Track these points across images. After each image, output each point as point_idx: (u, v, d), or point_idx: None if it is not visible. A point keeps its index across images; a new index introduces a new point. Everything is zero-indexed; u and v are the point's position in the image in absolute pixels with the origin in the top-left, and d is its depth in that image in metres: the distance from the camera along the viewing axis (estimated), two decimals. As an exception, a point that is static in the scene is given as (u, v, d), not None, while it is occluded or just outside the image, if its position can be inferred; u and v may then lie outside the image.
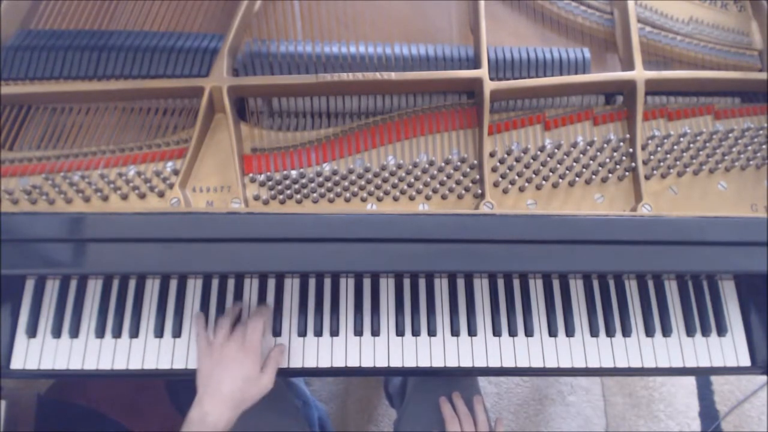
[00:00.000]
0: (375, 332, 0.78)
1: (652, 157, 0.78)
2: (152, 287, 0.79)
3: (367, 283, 0.80)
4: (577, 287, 0.81)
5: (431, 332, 0.78)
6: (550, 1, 0.85)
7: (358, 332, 0.77)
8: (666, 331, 0.79)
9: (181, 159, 0.74)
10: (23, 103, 0.77)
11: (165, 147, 0.75)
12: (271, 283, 0.80)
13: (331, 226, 0.68)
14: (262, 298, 0.79)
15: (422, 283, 0.80)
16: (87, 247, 0.68)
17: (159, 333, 0.77)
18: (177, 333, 0.77)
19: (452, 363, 0.77)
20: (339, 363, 0.77)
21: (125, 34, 0.79)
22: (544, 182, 0.76)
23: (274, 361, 0.72)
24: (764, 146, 0.79)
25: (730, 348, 0.79)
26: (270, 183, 0.74)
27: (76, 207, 0.73)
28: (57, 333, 0.76)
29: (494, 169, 0.77)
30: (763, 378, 1.48)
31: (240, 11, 0.78)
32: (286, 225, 0.68)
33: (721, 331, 0.79)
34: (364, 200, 0.75)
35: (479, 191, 0.73)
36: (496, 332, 0.78)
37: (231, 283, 0.79)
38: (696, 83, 0.81)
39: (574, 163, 0.76)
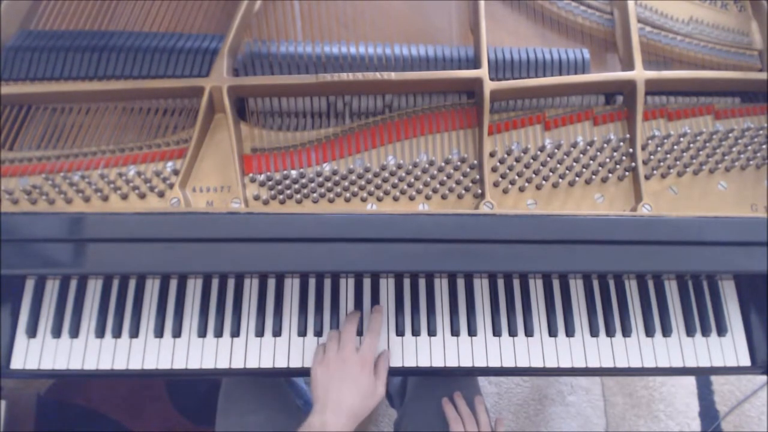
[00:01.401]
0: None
1: (652, 157, 0.78)
2: (152, 287, 0.79)
3: (367, 283, 0.80)
4: (577, 287, 0.81)
5: (431, 332, 0.78)
6: (550, 1, 0.85)
7: (358, 332, 0.77)
8: (666, 331, 0.79)
9: (181, 159, 0.74)
10: (23, 103, 0.77)
11: (165, 147, 0.76)
12: (271, 283, 0.80)
13: (331, 226, 0.68)
14: (262, 298, 0.79)
15: (422, 283, 0.80)
16: (87, 247, 0.68)
17: (159, 333, 0.77)
18: (177, 333, 0.77)
19: (452, 363, 0.77)
20: (339, 363, 0.76)
21: (125, 34, 0.79)
22: (544, 182, 0.76)
23: (385, 370, 0.73)
24: (764, 146, 0.79)
25: (730, 348, 0.79)
26: (270, 183, 0.74)
27: (76, 207, 0.73)
28: (57, 333, 0.76)
29: (494, 169, 0.77)
30: (763, 378, 1.48)
31: (240, 11, 0.78)
32: (286, 225, 0.68)
33: (721, 331, 0.79)
34: (364, 200, 0.75)
35: (479, 191, 0.74)
36: (496, 332, 0.78)
37: (231, 283, 0.79)
38: (696, 83, 0.81)
39: (574, 163, 0.76)
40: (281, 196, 0.74)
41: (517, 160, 0.77)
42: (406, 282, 0.80)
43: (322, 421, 0.66)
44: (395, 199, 0.75)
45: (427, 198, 0.75)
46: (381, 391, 0.71)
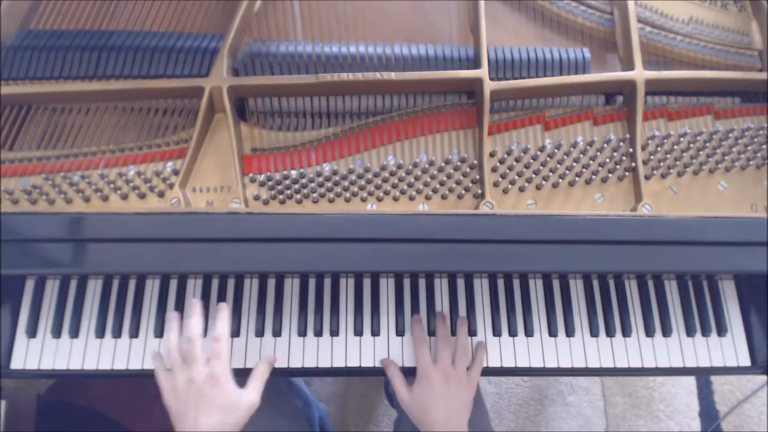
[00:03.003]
0: (375, 332, 0.78)
1: (652, 157, 0.78)
2: (152, 287, 0.79)
3: (367, 283, 0.80)
4: (577, 287, 0.81)
5: (431, 332, 0.78)
6: (550, 1, 0.85)
7: (358, 332, 0.77)
8: (666, 331, 0.79)
9: (181, 159, 0.74)
10: (23, 103, 0.77)
11: (165, 147, 0.76)
12: (271, 283, 0.80)
13: (331, 226, 0.68)
14: (262, 298, 0.79)
15: (422, 283, 0.80)
16: (87, 247, 0.68)
17: (159, 333, 0.77)
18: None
19: (452, 363, 0.77)
20: (339, 363, 0.77)
21: (125, 34, 0.79)
22: (544, 182, 0.76)
23: (259, 377, 0.68)
24: (764, 146, 0.79)
25: (730, 348, 0.79)
26: (270, 183, 0.74)
27: (76, 207, 0.73)
28: (57, 333, 0.76)
29: (494, 169, 0.77)
30: (763, 378, 1.48)
31: (240, 11, 0.78)
32: (286, 225, 0.68)
33: (721, 331, 0.79)
34: (364, 200, 0.75)
35: (479, 191, 0.74)
36: (496, 332, 0.78)
37: (231, 283, 0.79)
38: (696, 83, 0.81)
39: (574, 163, 0.76)
40: (281, 196, 0.74)
41: (517, 160, 0.77)
42: (406, 282, 0.80)
43: None
44: (395, 199, 0.75)
45: (427, 198, 0.75)
46: (250, 398, 0.65)
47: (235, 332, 0.77)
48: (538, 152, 0.77)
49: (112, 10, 0.82)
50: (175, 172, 0.73)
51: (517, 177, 0.76)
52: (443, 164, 0.76)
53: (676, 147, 0.78)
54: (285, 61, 0.77)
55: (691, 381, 1.50)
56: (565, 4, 0.85)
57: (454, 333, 0.77)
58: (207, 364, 0.64)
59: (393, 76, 0.75)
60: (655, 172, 0.77)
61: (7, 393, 1.20)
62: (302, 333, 0.77)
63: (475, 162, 0.75)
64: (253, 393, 0.66)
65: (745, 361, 0.78)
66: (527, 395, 1.47)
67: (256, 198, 0.75)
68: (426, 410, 0.69)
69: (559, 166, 0.76)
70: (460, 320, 0.77)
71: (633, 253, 0.70)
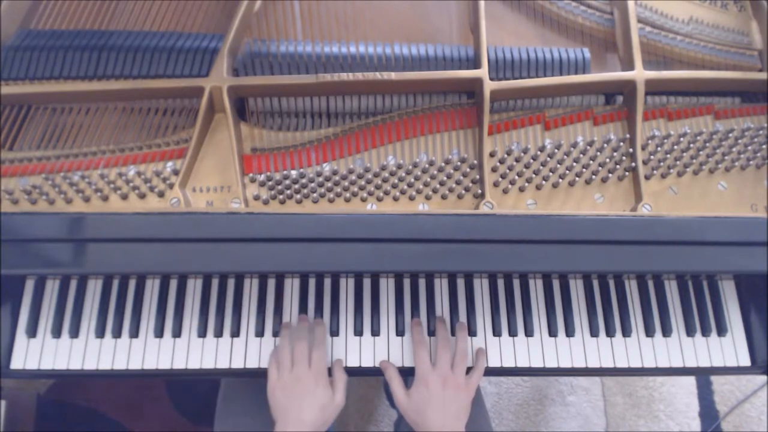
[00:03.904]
0: (375, 332, 0.78)
1: (652, 157, 0.78)
2: (152, 287, 0.79)
3: (367, 283, 0.80)
4: (577, 287, 0.81)
5: (430, 332, 0.78)
6: (550, 1, 0.85)
7: (358, 332, 0.77)
8: (666, 331, 0.79)
9: (181, 159, 0.74)
10: (23, 103, 0.77)
11: (165, 147, 0.76)
12: (271, 283, 0.80)
13: (331, 226, 0.68)
14: (262, 298, 0.79)
15: (422, 283, 0.80)
16: (87, 247, 0.68)
17: (159, 333, 0.77)
18: (177, 333, 0.77)
19: (452, 363, 0.77)
20: (339, 363, 0.77)
21: (125, 34, 0.79)
22: (544, 182, 0.76)
23: (342, 380, 0.73)
24: (764, 146, 0.79)
25: (730, 348, 0.79)
26: (270, 183, 0.74)
27: (76, 207, 0.73)
28: (57, 333, 0.76)
29: (494, 169, 0.77)
30: (763, 378, 1.48)
31: (240, 11, 0.78)
32: (286, 225, 0.68)
33: (721, 331, 0.79)
34: (364, 200, 0.75)
35: (479, 191, 0.74)
36: (496, 332, 0.78)
37: (231, 283, 0.79)
38: (696, 83, 0.81)
39: (574, 163, 0.76)
40: (281, 196, 0.74)
41: (517, 160, 0.77)
42: (406, 282, 0.80)
43: None
44: (395, 199, 0.75)
45: (427, 198, 0.75)
46: (339, 399, 0.71)
47: (235, 332, 0.77)
48: (538, 152, 0.77)
49: (112, 10, 0.82)
50: (175, 172, 0.73)
51: (517, 177, 0.76)
52: (443, 164, 0.76)
53: (676, 147, 0.78)
54: (285, 61, 0.77)
55: (691, 381, 1.50)
56: (565, 4, 0.85)
57: (453, 334, 0.77)
58: (310, 366, 0.71)
59: (393, 76, 0.75)
60: (655, 172, 0.77)
61: (7, 393, 1.20)
62: (302, 333, 0.77)
63: (475, 162, 0.75)
64: (339, 395, 0.72)
65: (745, 361, 0.78)
66: (527, 395, 1.47)
67: (256, 198, 0.75)
68: (423, 414, 0.69)
69: (559, 166, 0.76)
70: (459, 325, 0.77)
71: (633, 253, 0.70)
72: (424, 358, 0.73)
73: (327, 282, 0.80)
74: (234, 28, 0.77)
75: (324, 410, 0.69)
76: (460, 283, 0.81)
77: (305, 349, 0.72)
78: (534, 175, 0.76)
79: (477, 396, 0.87)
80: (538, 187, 0.76)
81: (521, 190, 0.76)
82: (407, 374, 0.76)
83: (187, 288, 0.79)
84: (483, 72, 0.76)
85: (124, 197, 0.73)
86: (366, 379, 1.44)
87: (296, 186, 0.74)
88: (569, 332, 0.78)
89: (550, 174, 0.76)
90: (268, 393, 0.71)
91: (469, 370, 0.74)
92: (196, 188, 0.75)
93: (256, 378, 0.88)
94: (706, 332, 0.79)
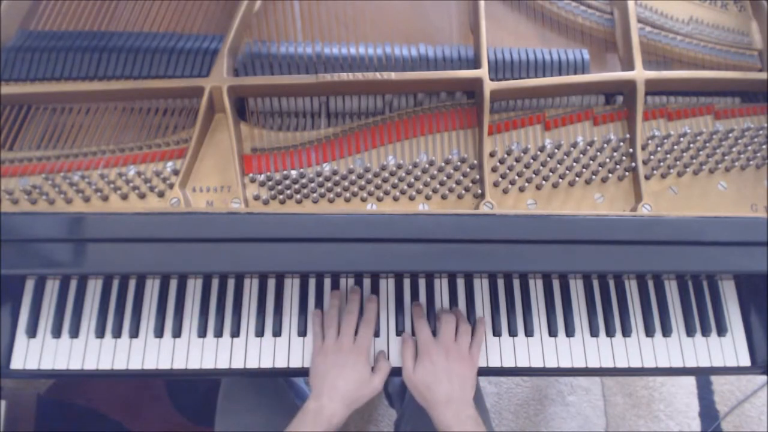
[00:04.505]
0: (375, 332, 0.77)
1: (652, 157, 0.78)
2: (152, 287, 0.79)
3: (367, 283, 0.80)
4: (577, 287, 0.81)
5: (431, 332, 0.78)
6: (550, 1, 0.85)
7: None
8: (666, 331, 0.79)
9: (181, 159, 0.74)
10: (23, 103, 0.77)
11: (165, 147, 0.76)
12: (271, 283, 0.80)
13: (331, 226, 0.68)
14: (262, 298, 0.79)
15: (422, 283, 0.80)
16: (87, 247, 0.68)
17: (159, 333, 0.77)
18: (177, 333, 0.77)
19: (452, 363, 0.77)
20: (339, 363, 0.77)
21: (125, 34, 0.79)
22: (544, 182, 0.76)
23: (385, 368, 0.73)
24: (764, 146, 0.79)
25: (730, 348, 0.79)
26: (270, 183, 0.74)
27: (76, 207, 0.73)
28: (57, 333, 0.76)
29: (494, 169, 0.77)
30: (763, 378, 1.48)
31: (240, 11, 0.78)
32: (286, 225, 0.68)
33: (721, 331, 0.79)
34: (364, 200, 0.75)
35: (479, 191, 0.74)
36: (496, 332, 0.78)
37: (231, 283, 0.79)
38: (696, 83, 0.81)
39: (574, 163, 0.76)
40: (281, 196, 0.74)
41: (517, 160, 0.77)
42: (406, 282, 0.80)
43: (318, 405, 0.68)
44: (395, 199, 0.75)
45: (427, 198, 0.75)
46: (377, 383, 0.72)
47: (235, 332, 0.77)
48: (538, 152, 0.77)
49: (112, 11, 0.82)
50: (175, 172, 0.73)
51: (517, 177, 0.76)
52: (443, 164, 0.76)
53: (676, 147, 0.78)
54: (285, 61, 0.77)
55: (691, 381, 1.50)
56: (565, 4, 0.85)
57: (432, 334, 0.76)
58: (355, 341, 0.73)
59: (393, 76, 0.75)
60: (655, 172, 0.77)
61: (7, 393, 1.20)
62: (302, 333, 0.77)
63: (475, 162, 0.75)
64: (378, 379, 0.72)
65: (745, 361, 0.78)
66: (527, 395, 1.47)
67: (256, 198, 0.75)
68: (429, 387, 0.70)
69: (559, 166, 0.76)
70: (456, 309, 0.78)
71: (633, 253, 0.70)
72: (424, 329, 0.74)
73: (327, 282, 0.80)
74: (234, 29, 0.77)
75: (360, 387, 0.70)
76: (460, 283, 0.81)
77: (353, 322, 0.74)
78: (534, 175, 0.76)
79: (477, 395, 0.87)
80: (538, 187, 0.76)
81: (521, 190, 0.76)
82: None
83: (187, 288, 0.79)
84: (483, 72, 0.76)
85: (124, 197, 0.73)
86: (366, 379, 1.43)
87: (296, 186, 0.74)
88: (569, 332, 0.78)
89: (550, 174, 0.76)
90: (311, 361, 0.73)
91: None
92: (196, 188, 0.75)
93: (257, 378, 0.88)
94: (706, 332, 0.79)
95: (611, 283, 0.81)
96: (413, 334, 0.76)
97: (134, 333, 0.76)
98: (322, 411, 0.67)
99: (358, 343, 0.73)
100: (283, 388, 0.93)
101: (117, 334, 0.76)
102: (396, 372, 0.75)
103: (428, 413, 0.70)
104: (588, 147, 0.77)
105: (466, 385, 0.71)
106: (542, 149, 0.77)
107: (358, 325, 0.75)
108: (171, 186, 0.73)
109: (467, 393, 0.71)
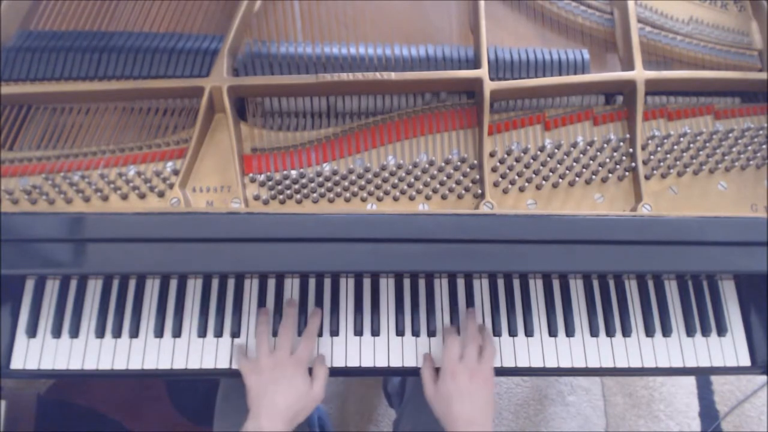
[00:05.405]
0: (375, 332, 0.78)
1: (652, 157, 0.78)
2: (152, 287, 0.79)
3: (367, 283, 0.80)
4: (577, 287, 0.81)
5: (431, 332, 0.78)
6: (550, 1, 0.85)
7: (358, 332, 0.77)
8: (666, 331, 0.79)
9: (181, 159, 0.74)
10: (23, 103, 0.77)
11: (165, 147, 0.76)
12: (271, 283, 0.80)
13: (331, 226, 0.68)
14: (262, 298, 0.79)
15: (422, 283, 0.80)
16: (87, 247, 0.68)
17: (159, 333, 0.77)
18: (177, 333, 0.77)
19: (452, 363, 0.77)
20: (339, 363, 0.77)
21: (125, 34, 0.79)
22: (544, 182, 0.76)
23: (323, 374, 0.73)
24: (764, 146, 0.79)
25: (730, 348, 0.79)
26: (270, 183, 0.74)
27: (76, 207, 0.73)
28: (57, 333, 0.76)
29: (494, 169, 0.77)
30: (763, 378, 1.48)
31: (240, 11, 0.78)
32: (286, 225, 0.68)
33: (721, 331, 0.79)
34: (364, 200, 0.75)
35: (479, 191, 0.74)
36: (496, 332, 0.78)
37: (231, 283, 0.79)
38: (696, 83, 0.81)
39: (574, 163, 0.76)
40: (281, 196, 0.74)
41: (517, 160, 0.77)
42: (406, 282, 0.80)
43: (257, 424, 0.67)
44: (395, 199, 0.75)
45: (427, 198, 0.75)
46: (317, 391, 0.71)
47: (236, 332, 0.77)
48: (538, 152, 0.77)
49: (112, 11, 0.82)
50: (175, 172, 0.73)
51: (517, 177, 0.76)
52: (443, 164, 0.76)
53: (676, 147, 0.78)
54: (285, 61, 0.77)
55: (691, 381, 1.50)
56: (565, 4, 0.85)
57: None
58: (292, 353, 0.71)
59: (393, 76, 0.75)
60: (655, 172, 0.77)
61: (7, 393, 1.20)
62: (302, 333, 0.77)
63: (475, 162, 0.75)
64: (318, 387, 0.71)
65: (745, 361, 0.79)
66: (527, 395, 1.47)
67: (256, 198, 0.75)
68: (449, 406, 0.69)
69: (559, 166, 0.76)
70: (482, 326, 0.77)
71: (633, 253, 0.70)
72: (454, 348, 0.73)
73: (327, 282, 0.80)
74: (234, 29, 0.77)
75: (300, 399, 0.69)
76: (460, 283, 0.81)
77: (289, 336, 0.73)
78: (534, 175, 0.76)
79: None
80: (538, 187, 0.76)
81: (521, 190, 0.76)
82: (407, 374, 0.76)
83: (187, 288, 0.79)
84: (483, 72, 0.76)
85: (124, 197, 0.73)
86: (366, 379, 1.44)
87: (296, 186, 0.74)
88: (569, 332, 0.78)
89: (550, 174, 0.76)
90: (244, 380, 0.71)
91: None
92: (196, 188, 0.75)
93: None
94: (706, 332, 0.79)
95: (611, 283, 0.81)
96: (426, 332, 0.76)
97: (134, 333, 0.76)
98: (261, 431, 0.66)
99: (297, 356, 0.71)
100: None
101: (117, 334, 0.76)
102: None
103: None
104: (588, 147, 0.77)
105: (486, 407, 0.70)
106: (542, 149, 0.77)
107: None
108: (171, 186, 0.73)
109: (488, 416, 0.70)
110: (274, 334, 0.77)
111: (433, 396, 0.72)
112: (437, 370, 0.74)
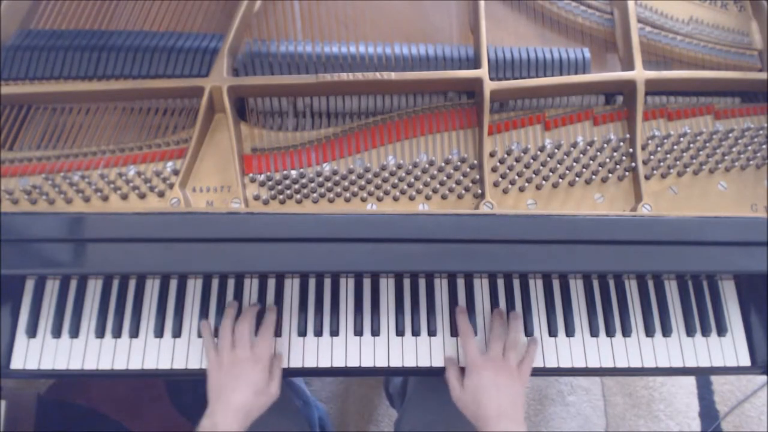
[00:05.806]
0: (375, 332, 0.78)
1: (652, 157, 0.78)
2: (152, 287, 0.79)
3: (367, 283, 0.80)
4: (577, 287, 0.81)
5: (431, 332, 0.78)
6: (550, 1, 0.85)
7: (358, 332, 0.77)
8: (666, 331, 0.79)
9: (181, 159, 0.74)
10: (23, 103, 0.77)
11: (165, 147, 0.76)
12: (271, 283, 0.80)
13: (331, 226, 0.68)
14: (262, 298, 0.79)
15: (422, 283, 0.80)
16: (87, 247, 0.68)
17: (159, 333, 0.77)
18: (177, 333, 0.77)
19: (452, 363, 0.77)
20: (339, 363, 0.77)
21: (125, 34, 0.79)
22: (544, 182, 0.76)
23: (279, 371, 0.73)
24: (764, 146, 0.79)
25: (730, 348, 0.79)
26: (270, 183, 0.74)
27: (76, 207, 0.73)
28: (57, 333, 0.76)
29: (494, 169, 0.77)
30: (763, 378, 1.48)
31: (240, 11, 0.78)
32: (286, 225, 0.68)
33: (721, 331, 0.79)
34: (364, 200, 0.75)
35: (479, 191, 0.74)
36: (496, 332, 0.78)
37: (231, 283, 0.79)
38: (696, 83, 0.81)
39: (574, 163, 0.76)
40: (281, 196, 0.74)
41: (517, 160, 0.77)
42: (406, 282, 0.80)
43: (212, 422, 0.67)
44: (395, 199, 0.75)
45: (427, 198, 0.75)
46: (274, 390, 0.71)
47: (235, 332, 0.77)
48: (538, 152, 0.77)
49: (112, 10, 0.82)
50: (175, 172, 0.73)
51: (517, 177, 0.76)
52: (443, 164, 0.76)
53: (676, 147, 0.78)
54: (285, 61, 0.77)
55: (691, 381, 1.50)
56: (565, 4, 0.85)
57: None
58: (251, 349, 0.71)
59: (393, 76, 0.75)
60: (655, 172, 0.77)
61: (7, 393, 1.20)
62: (302, 333, 0.77)
63: (475, 162, 0.75)
64: (275, 384, 0.71)
65: (745, 361, 0.78)
66: (527, 395, 1.47)
67: (256, 198, 0.75)
68: (478, 403, 0.68)
69: (559, 166, 0.76)
70: (513, 315, 0.77)
71: (633, 253, 0.70)
72: (472, 345, 0.72)
73: (327, 282, 0.80)
74: (234, 28, 0.77)
75: (257, 396, 0.69)
76: (460, 283, 0.81)
77: (247, 331, 0.72)
78: (534, 175, 0.76)
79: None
80: (538, 187, 0.76)
81: (521, 190, 0.76)
82: (408, 374, 0.75)
83: (187, 288, 0.79)
84: (483, 72, 0.76)
85: (124, 197, 0.73)
86: (366, 379, 1.44)
87: (296, 186, 0.74)
88: (569, 332, 0.78)
89: (550, 174, 0.76)
90: (207, 372, 0.71)
91: None
92: (196, 188, 0.75)
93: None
94: (706, 332, 0.79)
95: (611, 283, 0.81)
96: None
97: (134, 333, 0.76)
98: (216, 428, 0.66)
99: (255, 351, 0.71)
100: (282, 388, 0.93)
101: (117, 334, 0.76)
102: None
103: None
104: (588, 147, 0.77)
105: (517, 401, 0.69)
106: (542, 149, 0.77)
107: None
108: (171, 186, 0.73)
109: (519, 411, 0.68)
110: (275, 334, 0.77)
111: (460, 396, 0.70)
112: (462, 371, 0.73)
